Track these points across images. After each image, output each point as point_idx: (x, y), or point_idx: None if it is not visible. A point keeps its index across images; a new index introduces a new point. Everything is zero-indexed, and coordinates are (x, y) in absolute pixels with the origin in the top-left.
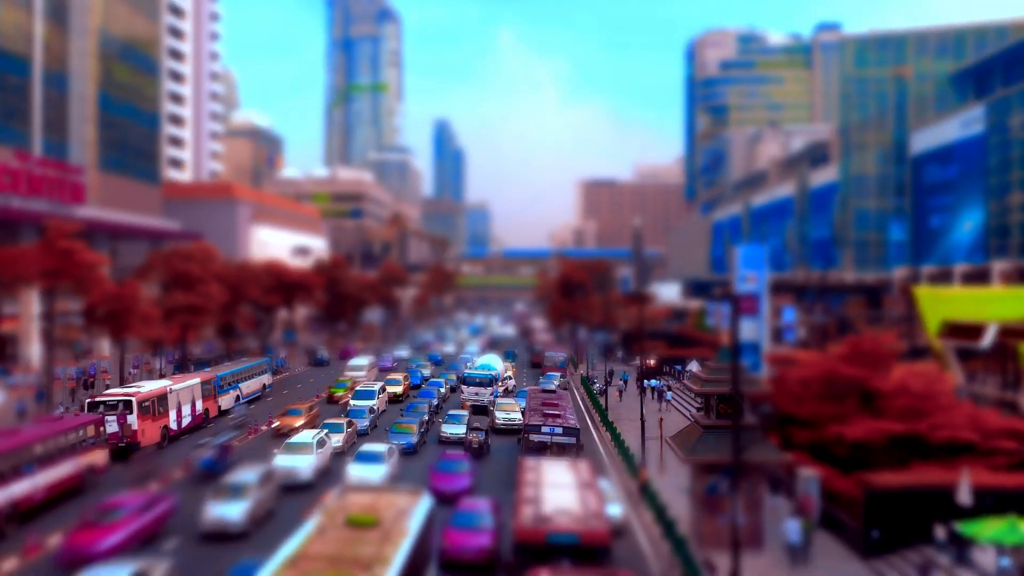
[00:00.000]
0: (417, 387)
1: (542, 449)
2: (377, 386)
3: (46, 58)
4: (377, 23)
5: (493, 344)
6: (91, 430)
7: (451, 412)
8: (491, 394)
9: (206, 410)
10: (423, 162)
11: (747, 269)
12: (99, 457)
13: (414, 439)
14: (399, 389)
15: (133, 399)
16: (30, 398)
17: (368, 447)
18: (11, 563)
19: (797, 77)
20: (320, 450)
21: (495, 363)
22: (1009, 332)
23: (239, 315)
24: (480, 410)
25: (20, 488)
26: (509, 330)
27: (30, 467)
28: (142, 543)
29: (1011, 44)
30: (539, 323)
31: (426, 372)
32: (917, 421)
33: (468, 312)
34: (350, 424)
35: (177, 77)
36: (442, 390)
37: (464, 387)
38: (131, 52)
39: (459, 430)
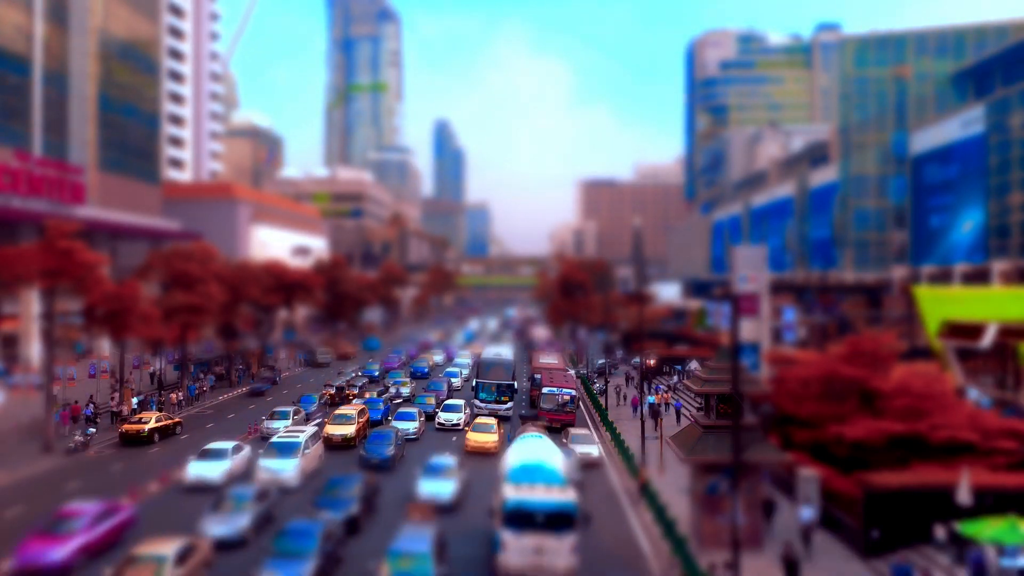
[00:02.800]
0: (377, 424)
1: None
2: (305, 434)
3: (46, 58)
4: (377, 23)
5: (483, 369)
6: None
7: None
8: (572, 549)
9: None
10: (423, 162)
11: (747, 269)
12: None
13: (309, 566)
14: (349, 431)
15: None
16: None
17: None
18: (9, 563)
19: (797, 77)
20: None
21: (546, 454)
22: (1009, 332)
23: (239, 315)
24: None
25: None
26: (505, 350)
27: None
28: (96, 555)
29: (1011, 44)
30: (542, 332)
31: (405, 391)
32: (917, 421)
33: (457, 319)
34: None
35: (177, 77)
36: (389, 449)
37: (508, 536)
38: (131, 52)
39: None
